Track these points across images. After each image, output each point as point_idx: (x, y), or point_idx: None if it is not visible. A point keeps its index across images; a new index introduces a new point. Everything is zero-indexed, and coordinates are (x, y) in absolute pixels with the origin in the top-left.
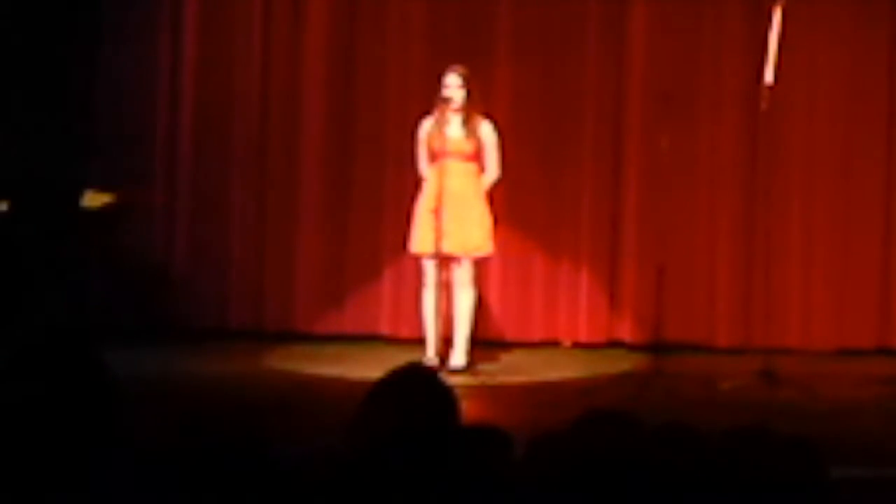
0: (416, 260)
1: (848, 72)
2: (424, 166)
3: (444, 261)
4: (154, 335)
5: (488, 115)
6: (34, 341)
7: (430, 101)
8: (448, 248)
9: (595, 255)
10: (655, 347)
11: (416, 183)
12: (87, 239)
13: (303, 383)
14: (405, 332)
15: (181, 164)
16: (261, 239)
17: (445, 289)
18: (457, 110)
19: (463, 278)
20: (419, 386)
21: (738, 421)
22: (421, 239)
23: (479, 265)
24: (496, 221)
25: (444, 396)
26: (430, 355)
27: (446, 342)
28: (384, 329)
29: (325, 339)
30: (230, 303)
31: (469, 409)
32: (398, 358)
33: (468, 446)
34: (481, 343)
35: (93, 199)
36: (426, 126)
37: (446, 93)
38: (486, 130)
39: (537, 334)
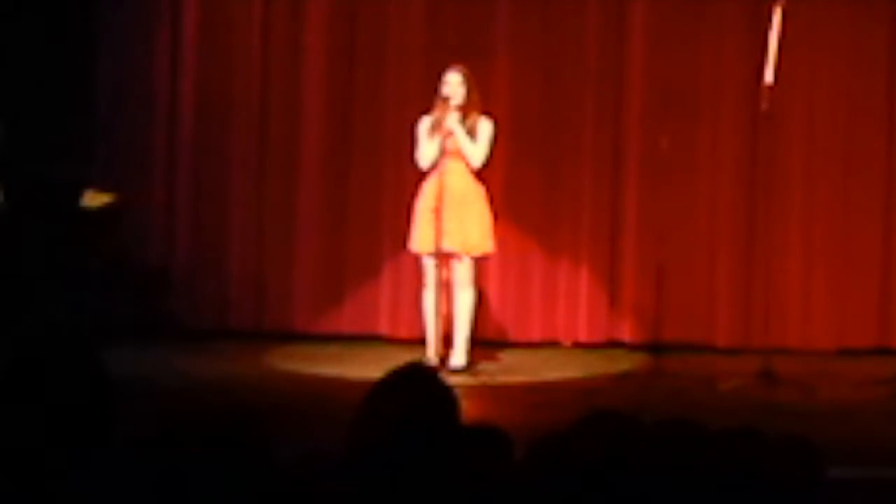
0: (416, 259)
1: (848, 71)
2: (423, 155)
3: (445, 260)
4: (154, 335)
5: (488, 114)
6: (34, 342)
7: (430, 100)
8: (448, 245)
9: (595, 255)
10: (655, 347)
11: (416, 182)
12: (87, 239)
13: (303, 383)
14: (404, 333)
15: (181, 164)
16: (260, 239)
17: (445, 289)
18: (456, 108)
19: (463, 277)
20: (419, 386)
21: (737, 421)
22: (421, 238)
23: (479, 264)
24: (496, 220)
25: (445, 396)
26: (430, 355)
27: (446, 342)
28: (383, 329)
29: (324, 339)
30: (230, 303)
31: (469, 409)
32: (397, 358)
33: (468, 446)
34: (481, 343)
35: (93, 199)
36: (426, 122)
37: (446, 90)
38: (484, 124)
39: (537, 334)
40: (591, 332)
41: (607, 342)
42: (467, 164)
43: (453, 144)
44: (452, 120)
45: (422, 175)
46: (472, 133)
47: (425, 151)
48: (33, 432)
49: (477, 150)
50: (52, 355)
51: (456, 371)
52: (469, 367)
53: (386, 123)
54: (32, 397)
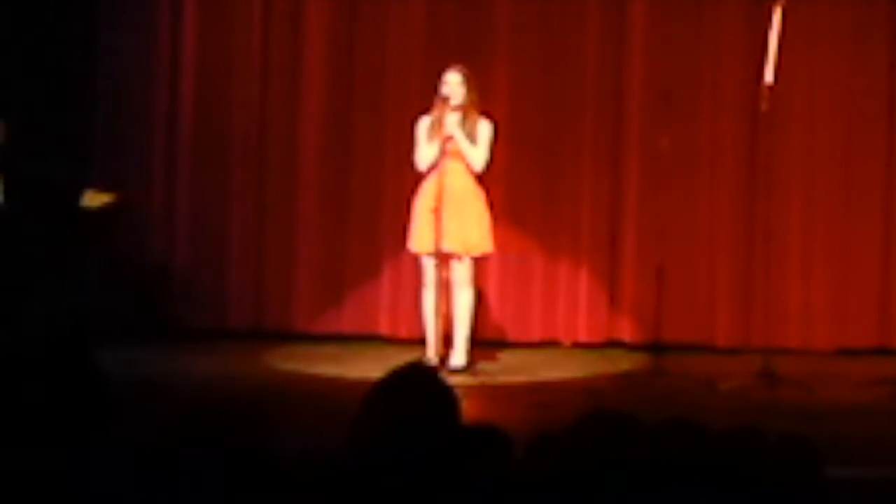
0: (416, 259)
1: (848, 72)
2: (421, 155)
3: (444, 260)
4: (154, 335)
5: (487, 115)
6: (33, 342)
7: (430, 100)
8: (448, 246)
9: (595, 255)
10: (655, 347)
11: (416, 182)
12: (87, 239)
13: (302, 383)
14: (404, 332)
15: (181, 164)
16: (260, 239)
17: (445, 289)
18: (456, 108)
19: (462, 277)
20: (420, 386)
21: (737, 421)
22: (421, 238)
23: (478, 264)
24: (496, 221)
25: (445, 396)
26: (430, 355)
27: (446, 342)
28: (383, 329)
29: (324, 338)
30: (230, 303)
31: (469, 409)
32: (397, 358)
33: (468, 446)
34: (481, 343)
35: (93, 199)
36: (425, 122)
37: (446, 90)
38: (484, 126)
39: (537, 334)
40: (591, 332)
41: (607, 342)
42: (467, 165)
43: (453, 146)
44: (452, 124)
45: (420, 175)
46: (471, 134)
47: (424, 154)
48: (31, 431)
49: (478, 154)
50: (49, 355)
51: (456, 371)
52: (469, 367)
53: (386, 123)
54: (29, 396)
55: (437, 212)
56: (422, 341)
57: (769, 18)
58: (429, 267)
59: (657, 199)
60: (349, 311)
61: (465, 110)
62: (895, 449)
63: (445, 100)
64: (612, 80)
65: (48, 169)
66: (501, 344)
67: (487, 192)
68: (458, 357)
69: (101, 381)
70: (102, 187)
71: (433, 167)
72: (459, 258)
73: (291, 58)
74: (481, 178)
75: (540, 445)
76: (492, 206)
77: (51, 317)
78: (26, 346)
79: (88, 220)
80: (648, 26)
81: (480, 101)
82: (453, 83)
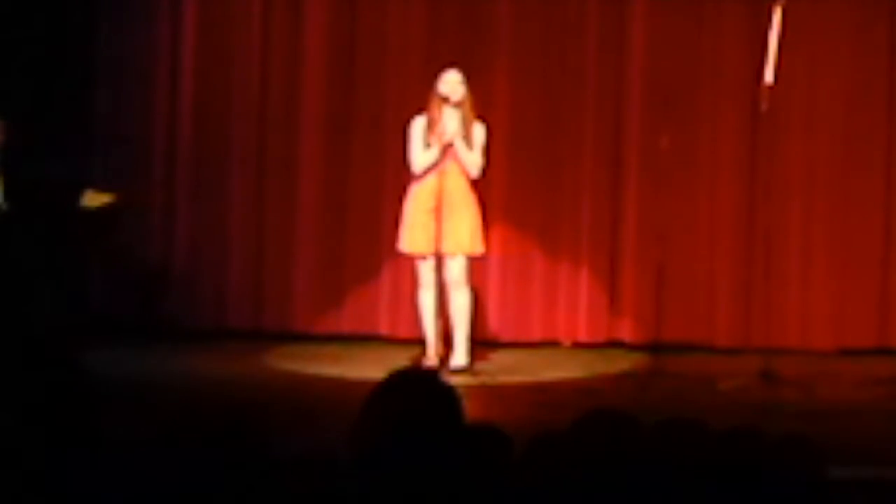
0: (411, 260)
1: (848, 72)
2: (419, 160)
3: (439, 260)
4: (154, 335)
5: (482, 119)
6: (31, 343)
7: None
8: (445, 247)
9: (595, 255)
10: (655, 347)
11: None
12: (86, 239)
13: (302, 383)
14: (403, 332)
15: (181, 164)
16: (259, 239)
17: (441, 289)
18: (455, 105)
19: (458, 277)
20: (422, 387)
21: (737, 421)
22: (416, 239)
23: (475, 264)
24: (496, 221)
25: (448, 397)
26: (430, 355)
27: (445, 342)
28: (382, 329)
29: (323, 338)
30: (229, 303)
31: (469, 409)
32: (396, 358)
33: (468, 446)
34: (481, 343)
35: (93, 199)
36: (419, 123)
37: (445, 89)
38: (479, 130)
39: (537, 334)
40: (591, 332)
41: (607, 342)
42: (461, 166)
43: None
44: (454, 131)
45: (413, 175)
46: (467, 134)
47: (421, 160)
48: (27, 432)
49: (475, 160)
50: (28, 356)
51: (457, 371)
52: (469, 367)
53: (386, 124)
54: (20, 397)
55: (437, 212)
56: (421, 341)
57: (769, 18)
58: (424, 268)
59: (657, 199)
60: (349, 312)
61: (464, 110)
62: (895, 449)
63: (445, 99)
64: (612, 79)
65: (48, 169)
66: (501, 344)
67: (486, 192)
68: (459, 357)
69: (84, 382)
70: (102, 187)
71: (428, 170)
72: (454, 258)
73: (291, 58)
74: (475, 179)
75: (540, 445)
76: (484, 206)
77: (51, 317)
78: (26, 347)
79: (88, 220)
80: (648, 26)
81: (477, 105)
82: (453, 81)
